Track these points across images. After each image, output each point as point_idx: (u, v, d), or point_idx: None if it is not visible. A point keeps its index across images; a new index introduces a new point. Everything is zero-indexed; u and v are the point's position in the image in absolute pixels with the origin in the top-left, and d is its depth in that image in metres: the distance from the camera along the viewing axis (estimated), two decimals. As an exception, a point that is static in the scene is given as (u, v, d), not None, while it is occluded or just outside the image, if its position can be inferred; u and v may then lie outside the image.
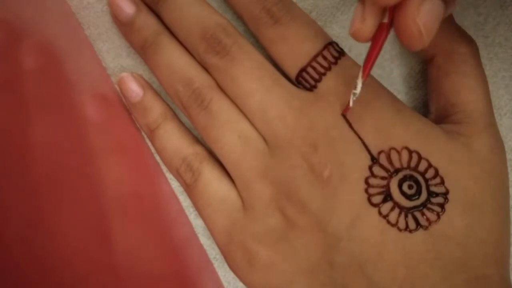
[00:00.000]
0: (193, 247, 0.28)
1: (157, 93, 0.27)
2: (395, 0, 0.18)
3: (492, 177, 0.23)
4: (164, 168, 0.28)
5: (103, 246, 0.22)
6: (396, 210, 0.22)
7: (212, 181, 0.25)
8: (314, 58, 0.24)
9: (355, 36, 0.19)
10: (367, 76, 0.21)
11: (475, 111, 0.24)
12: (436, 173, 0.22)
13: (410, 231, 0.22)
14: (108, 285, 0.21)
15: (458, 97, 0.24)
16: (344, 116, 0.23)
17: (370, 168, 0.23)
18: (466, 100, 0.24)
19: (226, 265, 0.27)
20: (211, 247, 0.28)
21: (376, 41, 0.20)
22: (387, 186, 0.22)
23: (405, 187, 0.22)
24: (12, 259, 0.17)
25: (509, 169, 0.25)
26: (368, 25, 0.19)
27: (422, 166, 0.23)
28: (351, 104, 0.22)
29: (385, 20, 0.19)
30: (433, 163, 0.23)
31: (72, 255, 0.20)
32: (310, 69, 0.24)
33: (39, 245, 0.18)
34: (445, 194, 0.22)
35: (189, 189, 0.26)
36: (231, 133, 0.25)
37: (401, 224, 0.22)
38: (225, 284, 0.28)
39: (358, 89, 0.21)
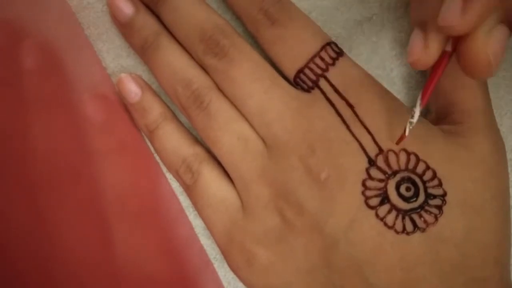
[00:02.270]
0: (193, 247, 0.28)
1: (156, 94, 0.27)
2: (467, 30, 0.17)
3: (492, 178, 0.23)
4: (164, 168, 0.28)
5: (103, 246, 0.22)
6: (394, 213, 0.22)
7: (212, 181, 0.26)
8: (312, 59, 0.24)
9: (415, 65, 0.19)
10: (425, 104, 0.21)
11: (474, 110, 0.24)
12: (434, 175, 0.22)
13: (408, 234, 0.22)
14: (108, 285, 0.21)
15: (457, 96, 0.24)
16: (341, 117, 0.23)
17: (368, 170, 0.23)
18: (465, 99, 0.24)
19: (226, 265, 0.27)
20: (211, 247, 0.28)
21: (436, 69, 0.19)
22: (385, 188, 0.22)
23: (402, 189, 0.22)
24: (12, 259, 0.17)
25: (509, 169, 0.25)
26: (431, 54, 0.19)
27: (420, 168, 0.23)
28: (407, 133, 0.22)
29: (448, 48, 0.19)
30: (431, 164, 0.23)
31: (72, 255, 0.20)
32: (307, 71, 0.24)
33: (39, 245, 0.18)
34: (443, 196, 0.22)
35: (188, 189, 0.26)
36: (230, 134, 0.25)
37: (398, 226, 0.22)
38: (225, 284, 0.28)
39: (415, 118, 0.21)
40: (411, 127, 0.22)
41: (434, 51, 0.19)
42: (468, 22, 0.17)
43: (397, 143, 0.22)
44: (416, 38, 0.19)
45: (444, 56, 0.19)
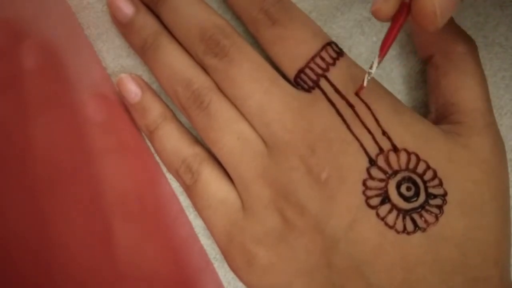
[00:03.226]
0: (193, 247, 0.28)
1: (156, 94, 0.27)
2: None
3: (492, 178, 0.23)
4: (164, 168, 0.28)
5: (103, 246, 0.22)
6: (394, 212, 0.22)
7: (212, 182, 0.25)
8: (312, 59, 0.24)
9: (376, 14, 0.19)
10: (384, 56, 0.21)
11: (474, 111, 0.24)
12: (435, 175, 0.22)
13: (408, 233, 0.22)
14: (108, 285, 0.21)
15: (457, 97, 0.24)
16: (342, 117, 0.23)
17: (368, 170, 0.23)
18: (465, 99, 0.24)
19: (226, 265, 0.27)
20: (211, 247, 0.28)
21: (396, 20, 0.20)
22: (385, 188, 0.22)
23: (403, 189, 0.22)
24: (12, 259, 0.17)
25: (509, 169, 0.25)
26: (390, 4, 0.19)
27: (421, 167, 0.23)
28: (365, 84, 0.22)
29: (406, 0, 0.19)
30: (432, 164, 0.23)
31: (72, 256, 0.20)
32: (307, 71, 0.24)
33: (39, 245, 0.18)
34: (443, 196, 0.22)
35: (188, 189, 0.26)
36: (230, 134, 0.25)
37: (399, 226, 0.22)
38: (225, 284, 0.28)
39: (374, 69, 0.21)
40: (369, 78, 0.22)
41: (393, 1, 0.19)
42: None
43: (356, 93, 0.23)
44: None
45: (402, 7, 0.19)
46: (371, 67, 0.22)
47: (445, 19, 0.18)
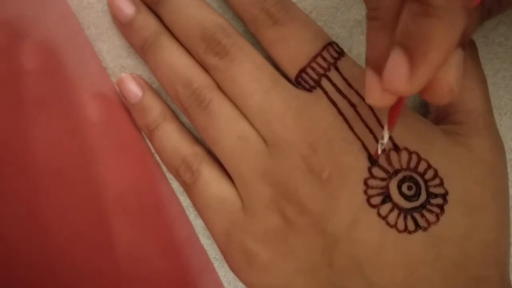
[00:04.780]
0: (193, 247, 0.28)
1: (156, 94, 0.27)
2: (417, 91, 0.17)
3: (492, 177, 0.23)
4: (164, 168, 0.28)
5: (103, 246, 0.22)
6: (395, 211, 0.22)
7: (212, 181, 0.25)
8: (313, 59, 0.24)
9: (376, 106, 0.19)
10: (393, 127, 0.20)
11: (474, 111, 0.24)
12: (436, 174, 0.22)
13: (409, 232, 0.22)
14: (108, 285, 0.21)
15: (458, 97, 0.24)
16: (343, 116, 0.23)
17: (370, 169, 0.23)
18: (465, 99, 0.24)
19: (226, 265, 0.27)
20: (211, 247, 0.28)
21: (399, 99, 0.19)
22: (386, 187, 0.22)
23: (404, 188, 0.22)
24: (12, 259, 0.17)
25: (509, 169, 0.25)
26: (389, 97, 0.18)
27: (422, 167, 0.23)
28: (379, 152, 0.22)
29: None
30: (433, 164, 0.23)
31: (72, 256, 0.20)
32: (309, 70, 0.24)
33: (40, 245, 0.18)
34: (444, 195, 0.22)
35: (188, 189, 0.26)
36: (231, 133, 0.25)
37: (400, 225, 0.22)
38: (225, 284, 0.28)
39: (385, 139, 0.21)
40: (382, 147, 0.22)
41: (390, 98, 0.18)
42: (416, 86, 0.16)
43: (372, 161, 0.23)
44: (372, 81, 0.18)
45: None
46: (382, 138, 0.21)
47: (460, 86, 0.17)
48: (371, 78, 0.18)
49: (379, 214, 0.22)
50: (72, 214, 0.21)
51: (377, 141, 0.23)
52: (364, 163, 0.23)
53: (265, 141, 0.24)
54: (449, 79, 0.17)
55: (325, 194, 0.23)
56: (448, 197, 0.22)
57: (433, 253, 0.22)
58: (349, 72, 0.24)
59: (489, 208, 0.23)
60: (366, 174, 0.23)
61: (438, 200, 0.22)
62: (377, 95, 0.18)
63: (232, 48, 0.25)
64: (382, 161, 0.23)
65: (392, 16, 0.17)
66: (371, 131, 0.23)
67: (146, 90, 0.27)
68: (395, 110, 0.19)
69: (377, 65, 0.18)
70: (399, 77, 0.16)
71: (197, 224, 0.28)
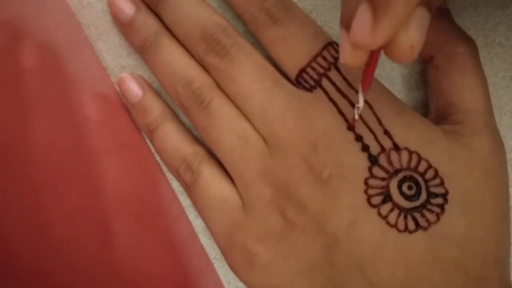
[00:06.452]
0: (193, 247, 0.28)
1: (156, 93, 0.27)
2: (382, 44, 0.17)
3: (492, 177, 0.23)
4: (164, 168, 0.28)
5: (103, 246, 0.22)
6: (396, 211, 0.22)
7: (212, 181, 0.25)
8: (314, 58, 0.24)
9: (349, 66, 0.19)
10: (367, 90, 0.21)
11: (475, 111, 0.24)
12: (436, 174, 0.22)
13: (410, 232, 0.22)
14: (108, 285, 0.21)
15: (458, 97, 0.24)
16: (344, 116, 0.23)
17: (370, 169, 0.23)
18: (465, 99, 0.24)
19: (226, 265, 0.27)
20: (211, 247, 0.28)
21: (371, 59, 0.19)
22: (387, 187, 0.22)
23: (404, 188, 0.22)
24: (12, 259, 0.17)
25: (509, 169, 0.25)
26: (359, 58, 0.19)
27: (422, 166, 0.23)
28: (356, 117, 0.22)
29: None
30: (433, 163, 0.23)
31: (72, 256, 0.20)
32: (309, 70, 0.24)
33: (39, 244, 0.18)
34: (444, 195, 0.22)
35: (189, 189, 0.26)
36: (231, 133, 0.25)
37: (401, 225, 0.22)
38: (225, 284, 0.28)
39: (361, 103, 0.21)
40: (359, 112, 0.22)
41: (362, 54, 0.19)
42: (379, 39, 0.17)
43: (351, 126, 0.23)
44: (343, 40, 0.19)
45: (374, 51, 0.19)
46: (358, 102, 0.21)
47: (421, 47, 0.18)
48: (343, 37, 0.19)
49: (379, 214, 0.22)
50: (72, 214, 0.21)
51: (377, 140, 0.23)
52: (365, 162, 0.23)
53: (265, 141, 0.24)
54: (410, 35, 0.17)
55: (325, 193, 0.23)
56: (449, 197, 0.22)
57: (433, 253, 0.22)
58: (349, 72, 0.24)
59: (489, 207, 0.23)
60: (366, 174, 0.23)
61: (439, 200, 0.22)
62: (348, 53, 0.19)
63: (232, 48, 0.25)
64: (383, 160, 0.23)
65: None
66: (371, 131, 0.23)
67: (146, 90, 0.27)
68: (368, 70, 0.20)
69: (349, 24, 0.18)
70: (362, 30, 0.17)
71: (197, 224, 0.28)
